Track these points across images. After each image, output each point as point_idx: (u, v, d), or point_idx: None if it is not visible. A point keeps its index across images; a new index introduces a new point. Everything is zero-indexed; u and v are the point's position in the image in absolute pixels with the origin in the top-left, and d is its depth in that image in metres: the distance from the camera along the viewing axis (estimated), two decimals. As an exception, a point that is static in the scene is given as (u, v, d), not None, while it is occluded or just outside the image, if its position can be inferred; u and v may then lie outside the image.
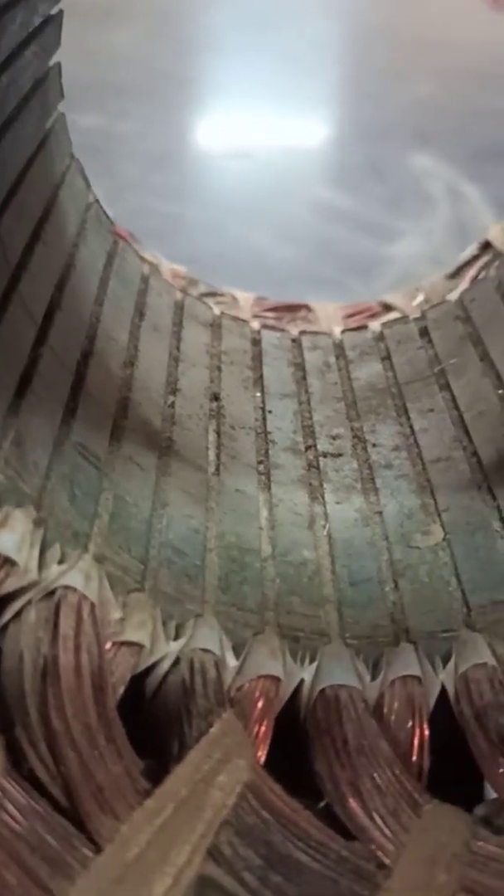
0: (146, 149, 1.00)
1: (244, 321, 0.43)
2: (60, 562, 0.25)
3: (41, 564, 0.24)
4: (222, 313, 0.43)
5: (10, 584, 0.24)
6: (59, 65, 0.35)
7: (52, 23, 0.33)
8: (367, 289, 0.77)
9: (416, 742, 0.26)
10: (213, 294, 0.46)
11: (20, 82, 0.29)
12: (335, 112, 1.20)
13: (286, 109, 1.17)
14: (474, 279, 0.46)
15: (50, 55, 0.34)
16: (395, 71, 1.24)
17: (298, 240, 0.86)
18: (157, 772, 0.23)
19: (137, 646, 0.25)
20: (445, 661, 0.27)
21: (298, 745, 0.26)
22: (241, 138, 1.08)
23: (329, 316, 0.47)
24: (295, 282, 0.78)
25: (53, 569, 0.24)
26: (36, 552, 0.24)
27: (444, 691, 0.27)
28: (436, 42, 1.30)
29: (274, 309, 0.48)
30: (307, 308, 0.48)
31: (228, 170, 1.01)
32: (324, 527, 0.32)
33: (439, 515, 0.32)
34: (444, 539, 0.31)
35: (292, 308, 0.48)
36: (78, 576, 0.24)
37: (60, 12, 0.34)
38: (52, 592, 0.24)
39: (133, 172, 0.93)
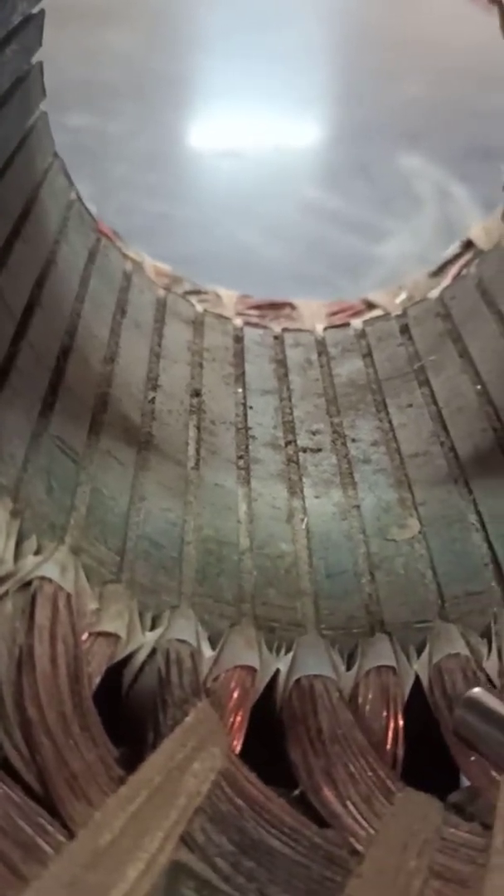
0: (138, 148, 1.00)
1: (227, 318, 0.43)
2: (36, 553, 0.25)
3: (17, 555, 0.24)
4: (205, 311, 0.43)
5: (-14, 575, 0.24)
6: (41, 64, 0.36)
7: (34, 21, 0.33)
8: (356, 288, 0.77)
9: (390, 731, 0.26)
10: (196, 292, 0.47)
11: (1, 82, 0.29)
12: (325, 112, 1.21)
13: (277, 109, 1.17)
14: (456, 277, 0.46)
15: (31, 54, 0.34)
16: (384, 71, 1.24)
17: (288, 239, 0.86)
18: (132, 760, 0.23)
19: (114, 636, 0.25)
20: (420, 651, 0.27)
21: (274, 735, 0.26)
22: (232, 138, 1.09)
23: (313, 314, 0.47)
24: (285, 281, 0.78)
25: (29, 560, 0.25)
26: (12, 543, 0.24)
27: (418, 681, 0.27)
28: (425, 43, 1.31)
29: (258, 307, 0.48)
30: (291, 306, 0.48)
31: (219, 169, 1.01)
32: (302, 520, 0.32)
33: (416, 509, 0.32)
34: (420, 532, 0.31)
35: (276, 306, 0.48)
36: (54, 567, 0.25)
37: (42, 11, 0.34)
38: (28, 583, 0.24)
39: (124, 172, 0.93)
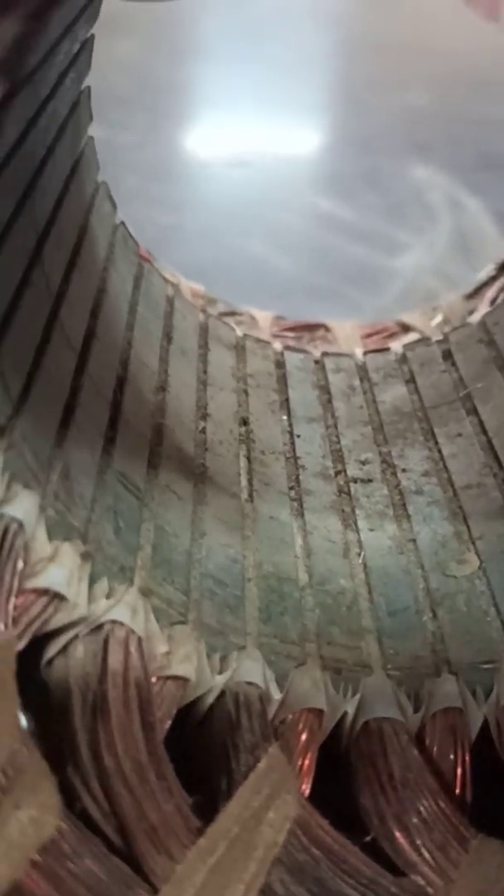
0: (143, 159, 1.00)
1: (266, 342, 0.43)
2: (108, 596, 0.24)
3: (89, 598, 0.24)
4: (245, 335, 0.43)
5: (60, 619, 0.23)
6: (89, 88, 0.35)
7: (87, 46, 0.33)
8: (372, 301, 0.77)
9: (459, 774, 0.26)
10: (232, 314, 0.46)
11: (60, 110, 0.29)
12: (330, 121, 1.20)
13: (281, 118, 1.17)
14: (493, 301, 0.46)
15: (83, 78, 0.33)
16: (388, 80, 1.24)
17: (296, 249, 0.86)
18: (205, 807, 0.23)
19: (183, 679, 0.25)
20: (487, 692, 0.27)
21: (337, 776, 0.26)
22: (239, 147, 1.08)
23: (348, 336, 0.47)
24: (297, 293, 0.78)
25: (101, 603, 0.24)
26: (84, 586, 0.24)
27: (486, 723, 0.27)
28: (429, 51, 1.31)
29: (292, 329, 0.47)
30: (325, 328, 0.48)
31: (227, 179, 1.01)
32: (359, 555, 0.32)
33: (473, 543, 0.32)
34: (479, 567, 0.31)
35: (311, 328, 0.48)
36: (125, 610, 0.24)
37: (92, 35, 0.34)
38: (100, 626, 0.24)
39: (131, 183, 0.93)
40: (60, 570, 0.23)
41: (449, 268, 0.84)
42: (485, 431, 0.36)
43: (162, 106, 1.14)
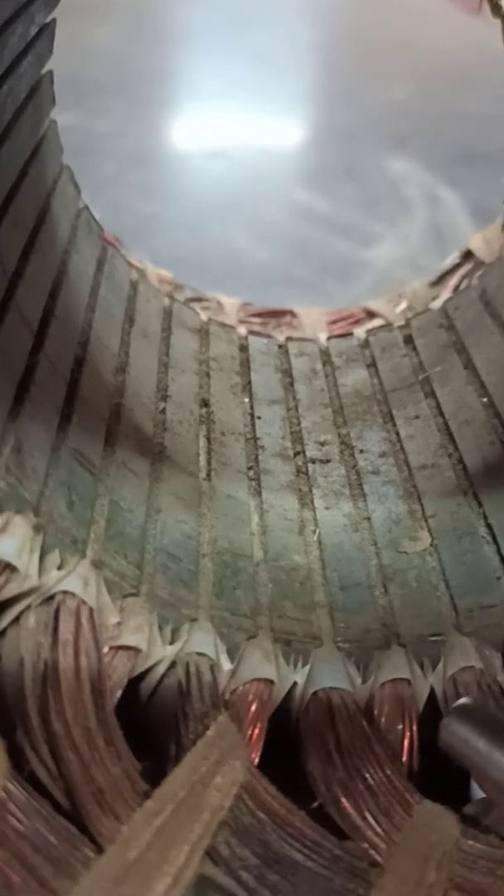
0: (123, 147, 1.00)
1: (231, 327, 0.44)
2: (59, 567, 0.25)
3: (41, 570, 0.24)
4: (210, 319, 0.44)
5: (11, 590, 0.24)
6: (51, 72, 0.36)
7: (46, 30, 0.33)
8: (346, 292, 0.78)
9: (406, 743, 0.27)
10: (198, 299, 0.47)
11: (17, 92, 0.29)
12: (311, 114, 1.20)
13: (262, 110, 1.17)
14: (456, 288, 0.46)
15: (44, 63, 0.34)
16: (369, 73, 1.24)
17: (275, 241, 0.86)
18: (154, 773, 0.24)
19: (134, 650, 0.26)
20: (435, 664, 0.28)
21: (290, 746, 0.27)
22: (218, 138, 1.08)
23: (314, 322, 0.47)
24: (274, 284, 0.78)
25: (53, 574, 0.25)
26: (36, 558, 0.24)
27: (433, 693, 0.27)
28: (411, 45, 1.31)
29: (259, 315, 0.48)
30: (292, 314, 0.49)
31: (205, 169, 1.01)
32: (314, 532, 0.32)
33: (426, 521, 0.33)
34: (431, 545, 0.31)
35: (277, 314, 0.48)
36: (77, 581, 0.25)
37: (53, 20, 0.34)
38: (51, 597, 0.24)
39: (109, 170, 0.93)
40: (12, 541, 0.24)
41: (423, 259, 0.84)
42: (441, 414, 0.37)
43: (143, 94, 1.13)
